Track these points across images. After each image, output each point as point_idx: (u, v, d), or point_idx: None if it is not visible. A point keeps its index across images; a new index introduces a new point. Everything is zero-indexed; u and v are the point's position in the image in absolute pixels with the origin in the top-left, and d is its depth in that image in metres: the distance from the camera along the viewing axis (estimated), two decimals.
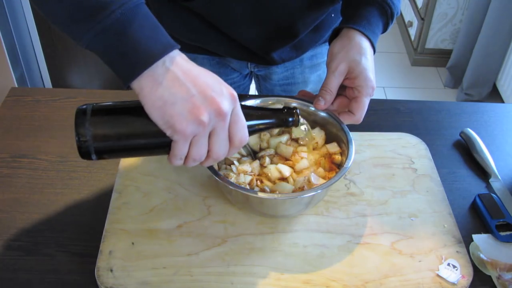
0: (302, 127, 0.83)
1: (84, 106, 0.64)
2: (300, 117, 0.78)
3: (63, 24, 0.62)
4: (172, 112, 0.60)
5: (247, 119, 0.68)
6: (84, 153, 0.64)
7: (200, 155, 0.64)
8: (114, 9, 0.59)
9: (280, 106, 0.86)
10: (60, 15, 0.62)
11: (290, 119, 0.77)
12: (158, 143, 0.65)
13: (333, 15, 1.06)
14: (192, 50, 1.08)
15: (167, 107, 0.60)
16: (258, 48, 1.02)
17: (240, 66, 1.14)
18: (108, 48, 0.61)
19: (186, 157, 0.65)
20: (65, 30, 0.63)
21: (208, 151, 0.65)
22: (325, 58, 0.84)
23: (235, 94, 0.65)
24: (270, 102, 0.89)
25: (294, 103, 0.89)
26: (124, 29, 0.60)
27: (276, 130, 0.88)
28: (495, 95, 2.66)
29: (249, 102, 0.89)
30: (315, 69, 1.16)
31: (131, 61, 0.60)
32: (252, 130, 0.72)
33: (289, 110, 0.77)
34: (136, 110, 0.63)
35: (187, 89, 0.61)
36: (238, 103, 0.65)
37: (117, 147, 0.65)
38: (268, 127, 0.77)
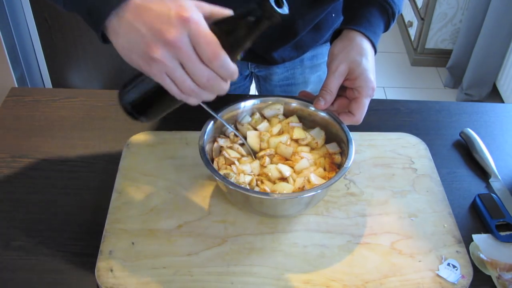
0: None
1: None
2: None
3: None
4: (134, 58, 0.62)
5: (220, 35, 0.60)
6: (128, 114, 0.73)
7: (186, 88, 0.62)
8: None
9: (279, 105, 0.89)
10: None
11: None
12: (161, 89, 0.65)
13: (333, 14, 1.06)
14: None
15: (131, 55, 0.63)
16: (259, 47, 1.02)
17: (241, 67, 1.14)
18: (79, 10, 0.66)
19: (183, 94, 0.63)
20: None
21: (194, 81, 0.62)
22: (326, 58, 0.84)
23: (187, 14, 0.59)
24: (270, 102, 0.90)
25: (294, 103, 0.89)
26: None
27: (276, 130, 0.88)
28: (495, 95, 2.66)
29: (249, 102, 0.89)
30: (315, 70, 1.16)
31: (94, 18, 0.64)
32: (235, 45, 0.63)
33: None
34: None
35: (137, 31, 0.61)
36: (194, 23, 0.59)
37: (145, 105, 0.72)
38: (248, 35, 0.64)
